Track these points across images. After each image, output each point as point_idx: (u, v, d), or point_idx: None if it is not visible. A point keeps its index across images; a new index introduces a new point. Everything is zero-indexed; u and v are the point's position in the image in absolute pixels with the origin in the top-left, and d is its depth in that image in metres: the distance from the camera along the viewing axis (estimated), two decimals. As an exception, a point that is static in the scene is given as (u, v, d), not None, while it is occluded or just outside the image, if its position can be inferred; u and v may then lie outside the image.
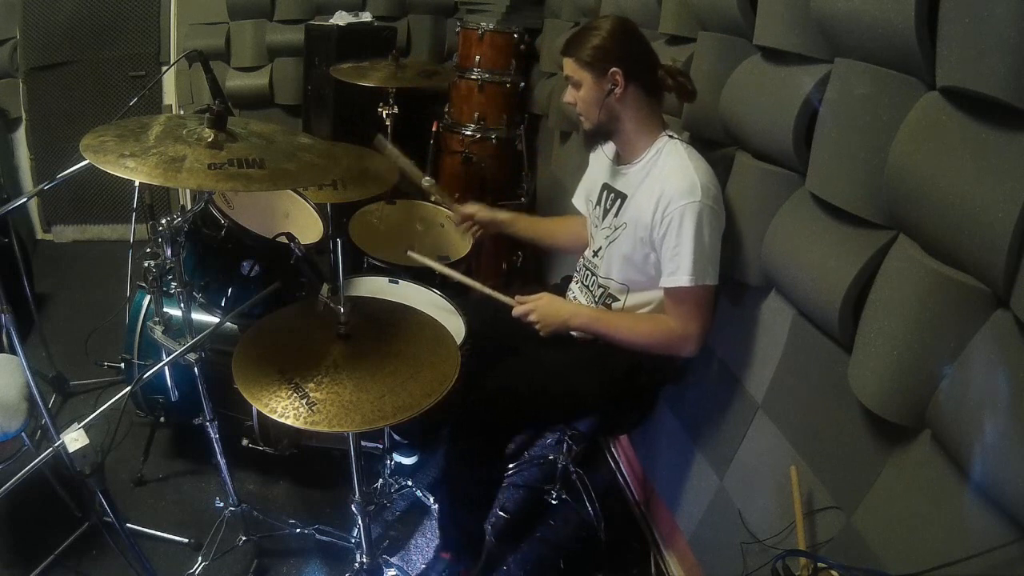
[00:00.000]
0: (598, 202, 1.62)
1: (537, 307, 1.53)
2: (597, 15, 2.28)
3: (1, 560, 1.72)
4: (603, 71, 1.41)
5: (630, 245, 1.48)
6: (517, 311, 1.55)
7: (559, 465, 2.05)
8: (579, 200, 1.79)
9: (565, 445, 1.99)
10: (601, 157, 1.68)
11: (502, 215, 1.89)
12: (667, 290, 1.43)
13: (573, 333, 1.59)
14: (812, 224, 1.24)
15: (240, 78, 3.40)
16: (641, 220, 1.44)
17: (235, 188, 1.57)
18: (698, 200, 1.35)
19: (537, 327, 1.52)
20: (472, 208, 1.89)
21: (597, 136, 1.53)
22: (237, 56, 3.38)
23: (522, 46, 2.94)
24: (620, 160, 1.56)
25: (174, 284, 1.39)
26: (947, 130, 0.93)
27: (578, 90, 1.46)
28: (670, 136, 1.48)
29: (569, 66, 1.46)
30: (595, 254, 1.61)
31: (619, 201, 1.54)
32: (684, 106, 1.68)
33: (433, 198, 2.38)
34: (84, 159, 1.12)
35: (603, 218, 1.59)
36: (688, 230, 1.35)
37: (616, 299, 1.57)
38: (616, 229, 1.53)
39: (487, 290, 1.65)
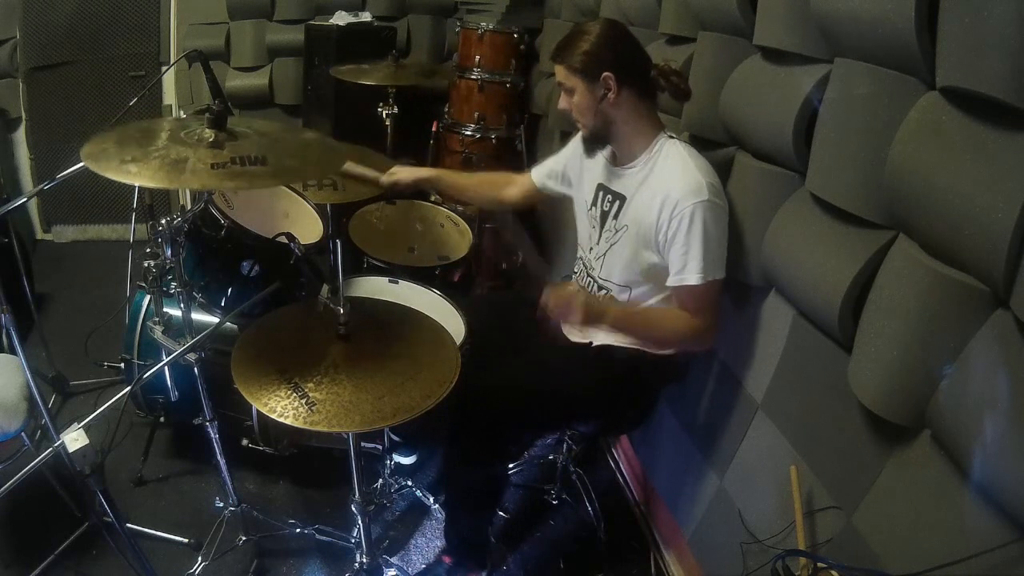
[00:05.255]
0: (595, 203, 1.61)
1: (580, 294, 1.45)
2: (597, 16, 2.28)
3: (1, 560, 1.72)
4: (595, 76, 1.40)
5: (632, 248, 1.48)
6: (555, 297, 1.43)
7: (559, 465, 2.05)
8: (538, 172, 1.81)
9: (565, 445, 1.98)
10: (596, 156, 1.67)
11: (423, 172, 1.93)
12: (678, 288, 1.43)
13: (574, 336, 1.59)
14: (812, 224, 1.24)
15: (240, 78, 3.40)
16: (644, 221, 1.43)
17: (238, 187, 1.57)
18: (705, 199, 1.35)
19: (572, 317, 1.42)
20: (394, 175, 1.91)
21: (595, 141, 1.52)
22: (237, 56, 3.38)
23: (522, 46, 2.94)
24: (617, 161, 1.55)
25: (174, 284, 1.39)
26: (947, 130, 0.93)
27: (572, 96, 1.46)
28: (669, 136, 1.47)
29: (561, 73, 1.45)
30: (599, 257, 1.60)
31: (618, 203, 1.53)
32: (684, 106, 1.68)
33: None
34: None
35: (602, 221, 1.58)
36: (697, 229, 1.35)
37: (616, 300, 1.56)
38: (617, 232, 1.52)
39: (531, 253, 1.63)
